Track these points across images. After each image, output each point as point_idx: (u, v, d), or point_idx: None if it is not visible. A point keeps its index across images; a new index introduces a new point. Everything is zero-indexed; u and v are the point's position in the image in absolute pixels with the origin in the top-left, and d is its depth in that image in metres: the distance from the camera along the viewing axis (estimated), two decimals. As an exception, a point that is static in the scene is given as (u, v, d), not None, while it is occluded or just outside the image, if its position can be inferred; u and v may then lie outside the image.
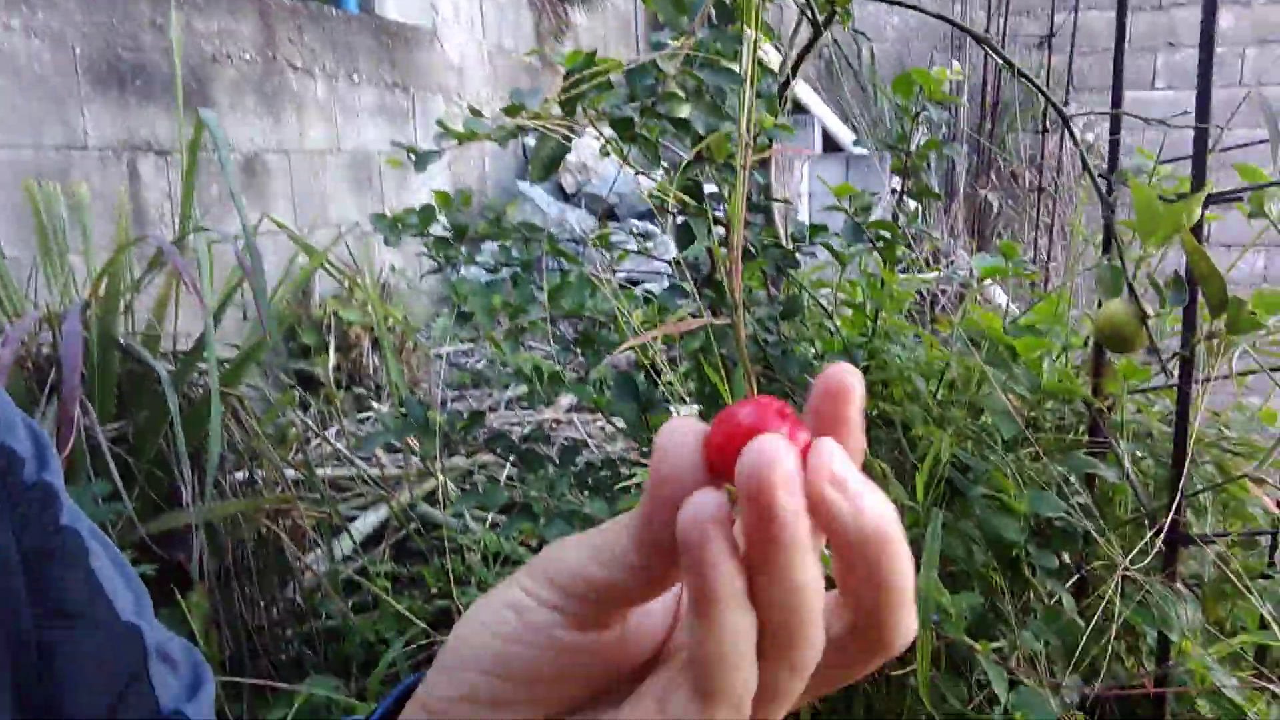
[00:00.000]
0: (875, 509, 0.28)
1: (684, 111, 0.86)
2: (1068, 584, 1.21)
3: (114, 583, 0.53)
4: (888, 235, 1.22)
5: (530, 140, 5.70)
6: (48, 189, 1.98)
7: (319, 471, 2.50)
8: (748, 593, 0.27)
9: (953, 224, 5.76)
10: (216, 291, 2.07)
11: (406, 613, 2.12)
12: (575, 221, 4.64)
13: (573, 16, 6.09)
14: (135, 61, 2.97)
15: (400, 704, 0.36)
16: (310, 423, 2.16)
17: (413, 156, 1.50)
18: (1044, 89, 1.07)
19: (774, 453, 0.26)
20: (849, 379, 0.30)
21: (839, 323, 1.43)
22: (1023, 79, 1.08)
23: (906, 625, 0.29)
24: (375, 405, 3.43)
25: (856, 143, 4.69)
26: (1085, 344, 1.47)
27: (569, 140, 0.89)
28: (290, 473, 2.20)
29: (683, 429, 0.29)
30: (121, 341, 1.89)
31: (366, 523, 2.46)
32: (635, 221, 4.76)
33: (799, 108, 5.74)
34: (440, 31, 4.85)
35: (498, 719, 0.32)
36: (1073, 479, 1.24)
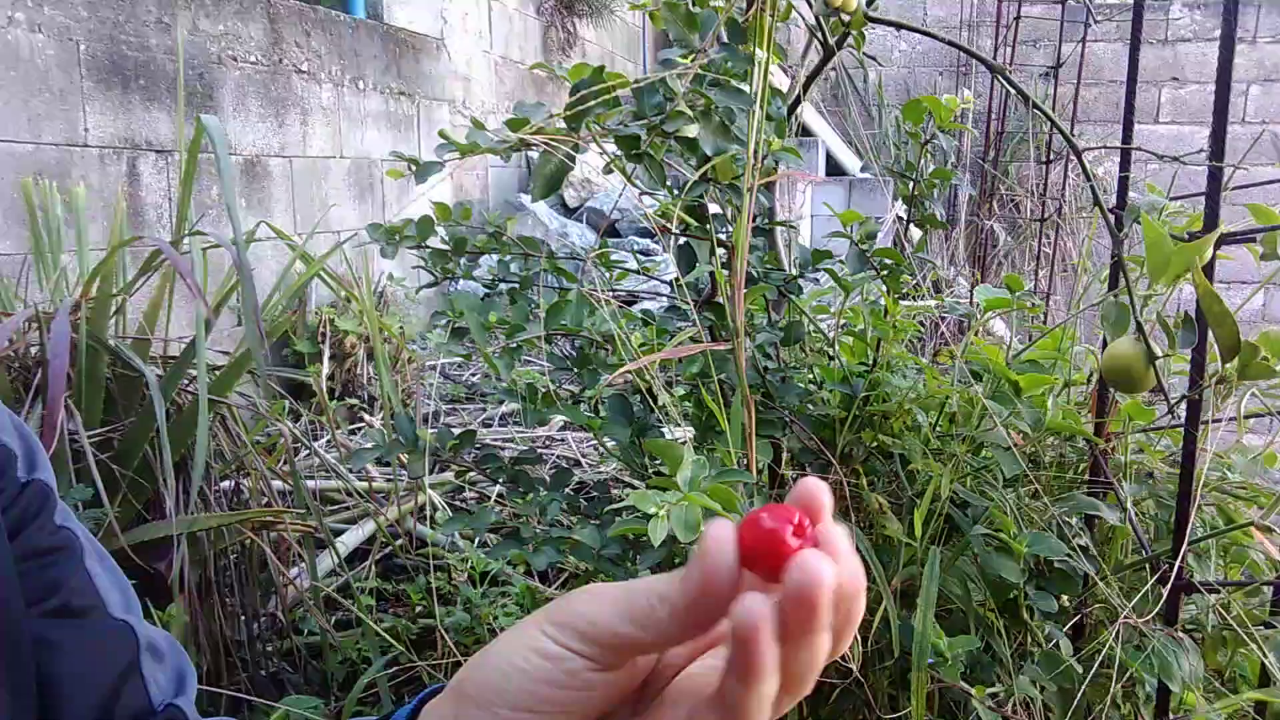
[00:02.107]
0: (859, 569, 0.34)
1: (692, 131, 0.83)
2: (1066, 628, 1.18)
3: (103, 580, 0.54)
4: (893, 263, 1.19)
5: (534, 153, 5.69)
6: (43, 187, 1.96)
7: (308, 483, 2.46)
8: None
9: (953, 252, 5.76)
10: (210, 296, 2.04)
11: (388, 633, 2.08)
12: (577, 237, 4.62)
13: (581, 30, 6.10)
14: (140, 60, 2.95)
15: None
16: (300, 433, 2.13)
17: (413, 167, 1.47)
18: (1056, 120, 1.05)
19: (821, 573, 0.32)
20: (820, 495, 0.35)
21: (840, 351, 1.41)
22: (1035, 109, 1.05)
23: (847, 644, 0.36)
24: (367, 417, 3.40)
25: (864, 169, 4.69)
26: (1088, 381, 1.44)
27: (573, 158, 0.87)
28: (278, 484, 2.17)
29: (724, 535, 0.34)
30: (111, 344, 1.86)
31: (354, 537, 2.42)
32: (637, 239, 4.74)
33: (804, 130, 5.74)
34: (447, 40, 4.84)
35: None
36: (1073, 520, 1.21)
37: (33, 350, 1.81)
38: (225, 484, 2.03)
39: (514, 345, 1.03)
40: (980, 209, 5.49)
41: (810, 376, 1.37)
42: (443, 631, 1.82)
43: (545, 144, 0.86)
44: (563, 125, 1.01)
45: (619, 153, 0.91)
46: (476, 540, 2.29)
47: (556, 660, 0.35)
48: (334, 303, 3.76)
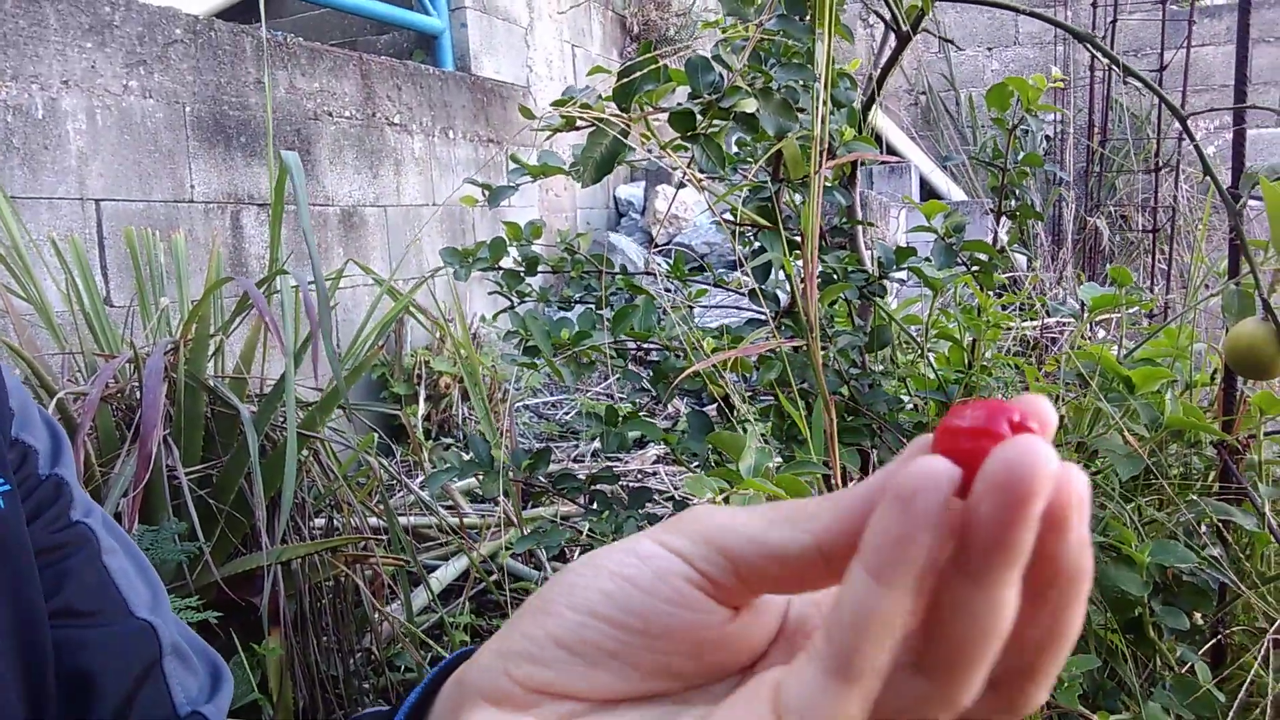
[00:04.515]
0: (1089, 550, 0.25)
1: (750, 107, 0.79)
2: (1202, 649, 1.07)
3: (128, 578, 0.52)
4: (984, 258, 1.12)
5: (622, 191, 5.74)
6: (145, 237, 2.05)
7: (401, 520, 2.47)
8: (946, 603, 0.24)
9: (1062, 271, 5.52)
10: (301, 335, 2.09)
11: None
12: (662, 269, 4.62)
13: (664, 71, 6.15)
14: (240, 119, 3.10)
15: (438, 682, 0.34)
16: (392, 469, 2.15)
17: (486, 192, 1.47)
18: (1150, 82, 0.96)
19: (1040, 453, 0.22)
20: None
21: (934, 359, 1.33)
22: (1128, 74, 0.97)
23: (1047, 687, 0.26)
24: (462, 455, 3.42)
25: (946, 159, 4.54)
26: (1212, 380, 1.32)
27: (624, 139, 0.83)
28: (373, 520, 2.19)
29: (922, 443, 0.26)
30: (209, 383, 1.91)
31: (447, 573, 2.42)
32: (727, 271, 4.70)
33: (894, 153, 5.63)
34: (533, 88, 4.95)
35: (573, 676, 0.27)
36: (1203, 528, 1.10)
37: (134, 390, 1.87)
38: (319, 520, 2.06)
39: (582, 354, 0.99)
40: (1086, 225, 5.25)
41: (900, 385, 1.29)
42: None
43: (593, 121, 0.82)
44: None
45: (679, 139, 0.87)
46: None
47: (651, 559, 0.27)
48: (429, 345, 3.83)
